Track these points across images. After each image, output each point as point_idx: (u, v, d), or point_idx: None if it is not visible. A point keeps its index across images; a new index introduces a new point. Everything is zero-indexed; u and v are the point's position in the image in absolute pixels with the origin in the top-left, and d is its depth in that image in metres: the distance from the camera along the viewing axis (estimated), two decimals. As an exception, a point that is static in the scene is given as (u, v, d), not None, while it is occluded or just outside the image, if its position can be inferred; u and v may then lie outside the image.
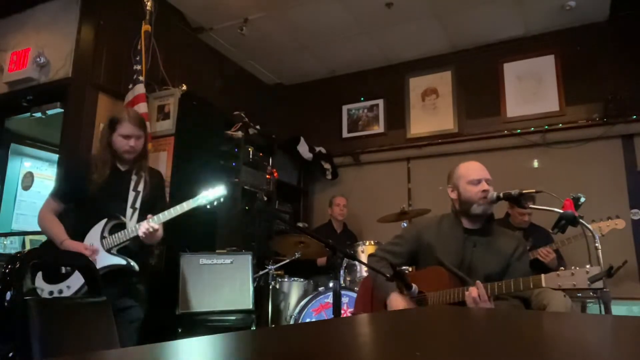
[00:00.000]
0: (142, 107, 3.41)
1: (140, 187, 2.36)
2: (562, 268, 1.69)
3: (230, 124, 4.26)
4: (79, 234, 2.23)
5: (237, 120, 4.34)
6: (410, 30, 4.55)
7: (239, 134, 4.26)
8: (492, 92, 4.66)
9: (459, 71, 4.88)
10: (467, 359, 0.50)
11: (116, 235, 2.24)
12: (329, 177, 5.24)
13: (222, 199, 2.34)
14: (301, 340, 0.65)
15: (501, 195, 2.01)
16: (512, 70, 4.62)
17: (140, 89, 3.44)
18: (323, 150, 5.23)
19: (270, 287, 3.52)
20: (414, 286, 1.93)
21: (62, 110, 3.59)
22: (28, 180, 4.99)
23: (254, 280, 3.21)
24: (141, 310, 2.29)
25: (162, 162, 3.54)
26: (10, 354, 1.12)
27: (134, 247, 2.30)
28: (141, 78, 3.46)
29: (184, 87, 3.71)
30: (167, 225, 3.32)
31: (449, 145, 4.72)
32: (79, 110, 3.42)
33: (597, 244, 1.77)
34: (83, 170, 2.29)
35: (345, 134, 5.40)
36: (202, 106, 3.91)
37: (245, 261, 3.22)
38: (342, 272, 3.59)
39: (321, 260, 4.07)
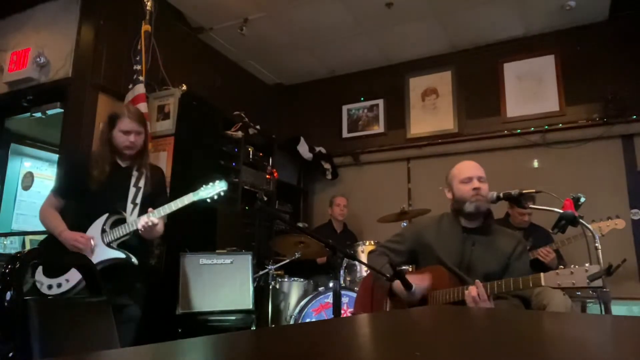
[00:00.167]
0: (142, 107, 3.41)
1: (141, 183, 2.36)
2: (561, 267, 1.70)
3: (230, 124, 4.26)
4: (81, 230, 2.23)
5: (237, 120, 4.34)
6: (410, 30, 4.55)
7: (239, 134, 4.26)
8: (492, 92, 4.66)
9: (459, 71, 4.88)
10: (467, 359, 0.50)
11: (116, 229, 2.24)
12: (329, 177, 5.24)
13: (222, 194, 2.32)
14: (301, 340, 0.65)
15: (501, 195, 2.01)
16: (512, 70, 4.62)
17: (140, 89, 3.44)
18: (323, 150, 5.23)
19: (270, 287, 3.52)
20: (414, 286, 1.93)
21: (62, 110, 3.59)
22: (28, 180, 4.99)
23: (254, 280, 3.21)
24: (138, 309, 2.29)
25: (162, 162, 3.54)
26: (10, 354, 1.12)
27: (134, 243, 2.30)
28: (141, 78, 3.46)
29: (184, 87, 3.71)
30: (167, 225, 3.34)
31: (449, 145, 4.72)
32: (79, 110, 3.42)
33: (597, 244, 1.78)
34: (83, 167, 2.29)
35: (345, 134, 5.40)
36: (202, 106, 3.91)
37: (245, 261, 3.22)
38: (342, 272, 3.59)
39: (321, 260, 4.07)
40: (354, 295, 3.09)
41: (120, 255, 2.21)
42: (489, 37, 4.65)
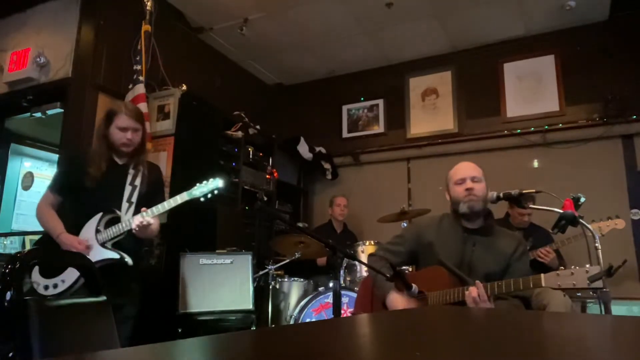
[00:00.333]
0: (142, 107, 3.40)
1: (138, 182, 2.32)
2: (562, 268, 1.70)
3: (230, 124, 4.26)
4: (75, 228, 2.21)
5: (237, 120, 4.34)
6: (410, 30, 4.55)
7: (239, 134, 4.26)
8: (492, 92, 4.66)
9: (459, 71, 4.88)
10: (467, 359, 0.50)
11: (111, 229, 2.21)
12: (329, 177, 5.24)
13: (216, 192, 2.26)
14: (301, 340, 0.65)
15: (501, 195, 2.01)
16: (512, 70, 4.62)
17: (140, 89, 3.44)
18: (323, 150, 5.23)
19: (270, 287, 3.52)
20: (414, 286, 1.93)
21: (62, 110, 3.59)
22: (28, 180, 5.00)
23: (254, 280, 3.21)
24: (133, 309, 2.26)
25: (162, 162, 3.54)
26: (10, 354, 1.12)
27: (129, 243, 2.26)
28: (141, 78, 3.46)
29: (184, 87, 3.72)
30: (167, 225, 3.34)
31: (449, 145, 4.72)
32: (79, 110, 3.42)
33: (597, 244, 1.78)
34: (80, 164, 2.26)
35: (345, 134, 5.40)
36: (202, 106, 3.92)
37: (245, 261, 3.22)
38: (342, 272, 3.59)
39: (321, 260, 4.06)
40: (354, 295, 3.09)
41: (114, 255, 2.18)
42: (489, 37, 4.65)
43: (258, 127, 4.59)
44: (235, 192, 4.15)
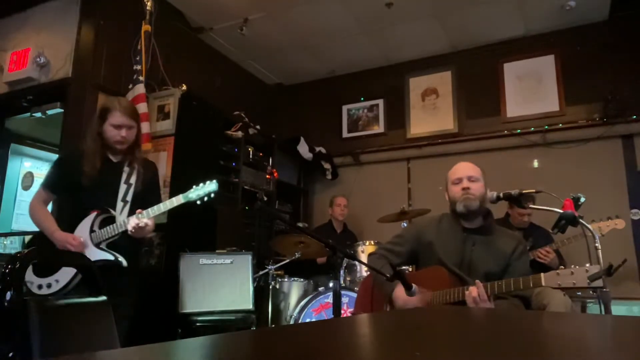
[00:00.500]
0: (142, 107, 3.41)
1: (133, 180, 2.29)
2: (562, 267, 1.70)
3: (230, 124, 4.27)
4: (70, 227, 2.18)
5: (237, 120, 4.34)
6: (410, 30, 4.55)
7: (239, 134, 4.26)
8: (492, 92, 4.66)
9: (459, 71, 4.88)
10: (467, 359, 0.50)
11: (105, 229, 2.18)
12: (329, 177, 5.24)
13: (212, 195, 2.24)
14: (301, 340, 0.65)
15: (501, 195, 2.01)
16: (512, 70, 4.63)
17: (140, 89, 3.44)
18: (323, 150, 5.23)
19: (270, 287, 3.52)
20: (414, 286, 1.93)
21: (62, 110, 3.59)
22: (28, 180, 4.99)
23: (254, 280, 3.21)
24: (130, 308, 2.24)
25: (162, 162, 3.54)
26: (10, 354, 1.12)
27: (123, 243, 2.23)
28: (141, 78, 3.46)
29: (184, 87, 3.72)
30: (167, 225, 3.34)
31: (449, 145, 4.72)
32: (79, 110, 3.42)
33: (597, 244, 1.78)
34: (74, 161, 2.22)
35: (345, 134, 5.40)
36: (202, 106, 3.92)
37: (245, 261, 3.22)
38: (342, 272, 3.59)
39: (321, 260, 4.07)
40: (354, 295, 3.09)
41: (109, 257, 2.15)
42: (489, 37, 4.65)
43: (258, 127, 4.60)
44: (235, 192, 4.15)
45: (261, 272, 3.48)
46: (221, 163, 4.05)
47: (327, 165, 5.21)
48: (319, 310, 3.37)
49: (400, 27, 4.49)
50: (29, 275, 2.09)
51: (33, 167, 5.09)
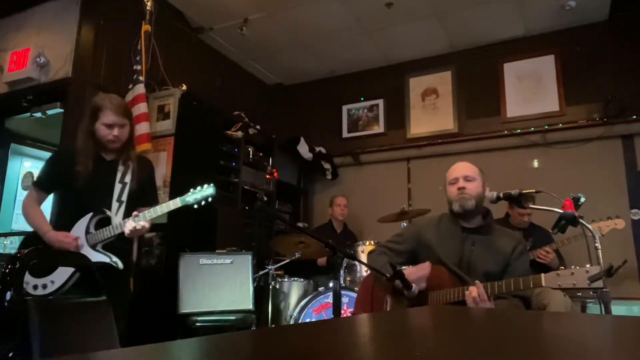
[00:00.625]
0: (142, 107, 3.41)
1: (127, 179, 2.25)
2: (562, 267, 1.70)
3: (230, 124, 4.27)
4: (65, 228, 2.16)
5: (237, 120, 4.34)
6: (410, 30, 4.55)
7: (239, 134, 4.26)
8: (492, 92, 4.66)
9: (459, 71, 4.88)
10: (467, 359, 0.50)
11: (101, 231, 2.15)
12: (329, 177, 5.24)
13: (210, 199, 2.21)
14: (301, 340, 0.65)
15: (501, 195, 2.01)
16: (512, 70, 4.62)
17: (140, 89, 3.44)
18: (323, 150, 5.23)
19: (270, 287, 3.52)
20: (414, 286, 1.93)
21: (62, 110, 3.59)
22: (28, 180, 4.99)
23: (254, 280, 3.21)
24: (125, 309, 2.21)
25: (162, 162, 3.54)
26: (10, 354, 1.12)
27: (117, 242, 2.20)
28: (141, 78, 3.46)
29: (184, 87, 3.72)
30: (167, 225, 3.34)
31: (449, 145, 4.72)
32: (79, 110, 3.41)
33: (597, 244, 1.77)
34: (66, 161, 2.18)
35: (345, 134, 5.40)
36: (202, 106, 3.92)
37: (245, 261, 3.22)
38: (342, 272, 3.59)
39: (321, 260, 4.07)
40: (354, 295, 3.09)
41: (105, 259, 2.12)
42: (489, 37, 4.65)
43: (258, 127, 4.60)
44: (235, 192, 4.15)
45: (261, 272, 3.48)
46: (221, 163, 4.05)
47: (327, 165, 5.21)
48: (319, 310, 3.37)
49: (400, 27, 4.49)
50: (25, 275, 2.07)
51: (33, 167, 5.08)
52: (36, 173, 5.04)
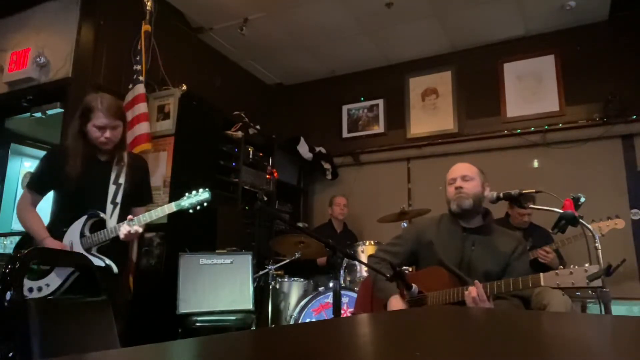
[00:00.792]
0: (142, 107, 3.41)
1: (122, 180, 2.22)
2: (561, 267, 1.70)
3: (230, 124, 4.27)
4: (59, 230, 2.13)
5: (237, 120, 4.34)
6: (410, 30, 4.55)
7: (239, 134, 4.26)
8: (492, 92, 4.66)
9: (459, 71, 4.88)
10: (467, 359, 0.50)
11: (96, 234, 2.13)
12: (329, 177, 5.24)
13: (205, 204, 2.19)
14: (301, 340, 0.65)
15: (501, 195, 2.01)
16: (512, 70, 4.63)
17: (140, 89, 3.44)
18: (323, 150, 5.23)
19: (270, 287, 3.52)
20: (414, 286, 1.93)
21: (62, 110, 3.59)
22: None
23: (254, 280, 3.21)
24: (122, 311, 2.19)
25: (162, 162, 3.54)
26: (10, 354, 1.12)
27: (112, 247, 2.18)
28: (141, 78, 3.46)
29: (184, 87, 3.72)
30: (167, 225, 3.34)
31: (449, 145, 4.72)
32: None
33: (597, 244, 1.78)
34: (57, 160, 2.14)
35: (345, 134, 5.40)
36: (202, 106, 3.92)
37: (245, 261, 3.22)
38: (342, 272, 3.59)
39: (321, 260, 4.07)
40: (354, 295, 3.09)
41: (100, 263, 2.09)
42: (489, 37, 4.65)
43: (258, 127, 4.60)
44: (235, 192, 4.15)
45: (261, 272, 3.47)
46: (221, 163, 4.05)
47: (327, 165, 5.21)
48: (319, 310, 3.37)
49: (400, 27, 4.49)
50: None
51: (33, 167, 5.08)
52: (35, 173, 5.03)
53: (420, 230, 2.26)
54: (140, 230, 2.15)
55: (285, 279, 3.66)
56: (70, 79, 3.51)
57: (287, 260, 3.56)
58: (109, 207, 2.19)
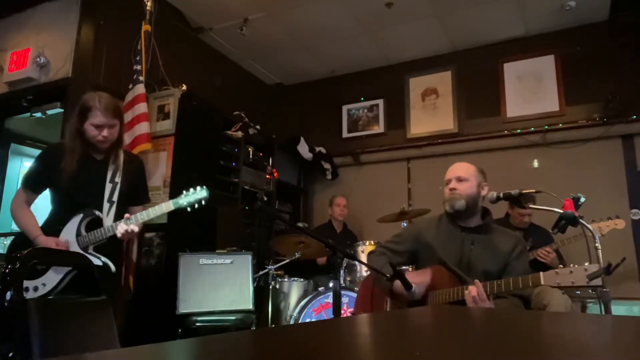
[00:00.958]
0: (142, 107, 3.41)
1: (118, 178, 2.21)
2: (561, 266, 1.70)
3: (230, 124, 4.26)
4: (55, 229, 2.12)
5: (237, 120, 4.34)
6: (410, 30, 4.55)
7: (239, 134, 4.26)
8: (492, 92, 4.66)
9: (459, 71, 4.88)
10: (467, 359, 0.50)
11: (93, 233, 2.11)
12: (329, 177, 5.24)
13: (203, 202, 2.19)
14: (301, 340, 0.65)
15: (501, 195, 2.01)
16: (512, 70, 4.63)
17: (140, 89, 3.44)
18: (323, 150, 5.23)
19: (270, 287, 3.52)
20: (414, 286, 1.93)
21: (62, 110, 3.59)
22: (28, 180, 4.98)
23: (254, 280, 3.21)
24: (120, 310, 2.22)
25: (162, 162, 3.54)
26: (10, 354, 1.12)
27: (109, 246, 2.17)
28: (141, 78, 3.46)
29: (184, 87, 3.72)
30: (167, 225, 3.34)
31: (449, 145, 4.72)
32: (79, 110, 3.41)
33: (597, 244, 1.78)
34: (52, 158, 2.13)
35: (345, 134, 5.40)
36: (202, 106, 3.92)
37: (245, 261, 3.22)
38: (342, 272, 3.59)
39: (321, 260, 4.07)
40: (354, 295, 3.09)
41: (97, 262, 2.08)
42: (489, 37, 4.65)
43: (258, 127, 4.60)
44: (235, 192, 4.15)
45: (261, 272, 3.47)
46: (221, 163, 4.04)
47: (327, 165, 5.21)
48: (319, 310, 3.37)
49: (400, 27, 4.49)
50: None
51: (33, 167, 5.08)
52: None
53: (420, 230, 2.26)
54: (137, 229, 2.14)
55: (285, 279, 3.66)
56: (70, 79, 3.51)
57: (287, 260, 3.56)
58: (106, 205, 2.18)
